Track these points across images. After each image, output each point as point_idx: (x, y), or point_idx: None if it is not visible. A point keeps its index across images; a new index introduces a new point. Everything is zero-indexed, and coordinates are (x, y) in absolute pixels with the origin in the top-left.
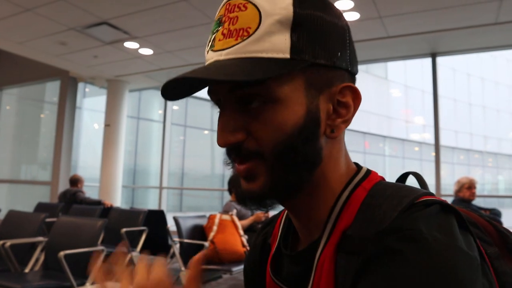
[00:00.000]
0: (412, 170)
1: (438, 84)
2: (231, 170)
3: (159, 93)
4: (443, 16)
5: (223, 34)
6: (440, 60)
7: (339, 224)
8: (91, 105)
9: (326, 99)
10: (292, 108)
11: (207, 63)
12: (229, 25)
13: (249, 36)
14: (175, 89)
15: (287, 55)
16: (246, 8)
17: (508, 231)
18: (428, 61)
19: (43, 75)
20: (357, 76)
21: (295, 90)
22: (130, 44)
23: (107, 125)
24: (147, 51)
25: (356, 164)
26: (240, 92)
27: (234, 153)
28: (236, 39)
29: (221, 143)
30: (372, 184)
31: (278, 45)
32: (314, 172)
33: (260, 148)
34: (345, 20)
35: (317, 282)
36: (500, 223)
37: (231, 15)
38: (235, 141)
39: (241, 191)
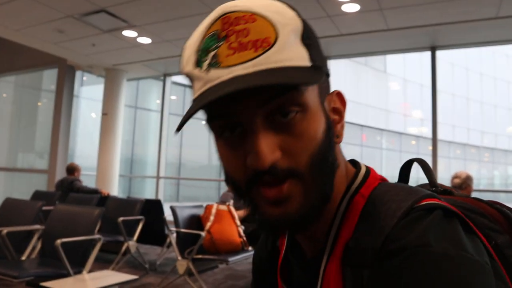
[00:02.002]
0: (417, 157)
1: (437, 78)
2: (248, 202)
3: (157, 82)
4: (444, 9)
5: (231, 48)
6: (439, 54)
7: (341, 236)
8: (89, 93)
9: (327, 106)
10: (318, 115)
11: (216, 81)
12: (237, 38)
13: (271, 46)
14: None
15: (308, 63)
16: (254, 20)
17: None
18: (427, 54)
19: (41, 63)
20: (356, 69)
21: (315, 98)
22: (129, 33)
23: (104, 114)
24: (145, 40)
25: (355, 162)
26: (274, 104)
27: (270, 175)
28: (256, 51)
29: (266, 164)
30: (370, 190)
31: (299, 54)
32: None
33: (294, 165)
34: None
35: None
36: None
37: (238, 28)
38: (275, 160)
39: (270, 218)
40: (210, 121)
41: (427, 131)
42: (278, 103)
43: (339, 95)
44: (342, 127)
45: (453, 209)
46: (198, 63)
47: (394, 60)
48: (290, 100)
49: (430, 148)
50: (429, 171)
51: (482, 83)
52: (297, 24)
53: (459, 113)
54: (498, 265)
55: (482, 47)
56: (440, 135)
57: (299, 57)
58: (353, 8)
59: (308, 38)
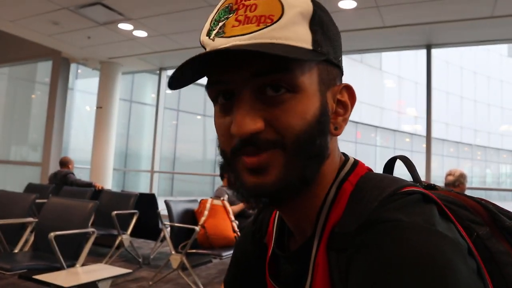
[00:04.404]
0: (400, 155)
1: (431, 76)
2: (231, 171)
3: (152, 76)
4: (440, 8)
5: (238, 20)
6: (434, 52)
7: (329, 221)
8: (84, 86)
9: (331, 96)
10: (311, 98)
11: (218, 47)
12: (245, 11)
13: (273, 23)
14: (181, 76)
15: (310, 46)
16: None
17: (497, 208)
18: (422, 52)
19: (35, 55)
20: (351, 65)
21: (312, 82)
22: (124, 26)
23: (99, 107)
24: (141, 33)
25: (344, 154)
26: (266, 79)
27: (251, 144)
28: (258, 25)
29: (244, 131)
30: (358, 178)
31: (301, 36)
32: (320, 168)
33: (280, 137)
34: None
35: (315, 282)
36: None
37: (247, 2)
38: (256, 130)
39: (247, 186)
40: (208, 87)
41: (421, 129)
42: (270, 79)
43: (348, 88)
44: (345, 121)
45: (432, 197)
46: (209, 32)
47: (389, 58)
48: (283, 80)
49: (424, 145)
50: (412, 168)
51: (476, 82)
52: (307, 8)
53: (453, 111)
54: (474, 258)
55: (476, 46)
56: (434, 133)
57: (300, 38)
58: (350, 5)
59: (318, 25)
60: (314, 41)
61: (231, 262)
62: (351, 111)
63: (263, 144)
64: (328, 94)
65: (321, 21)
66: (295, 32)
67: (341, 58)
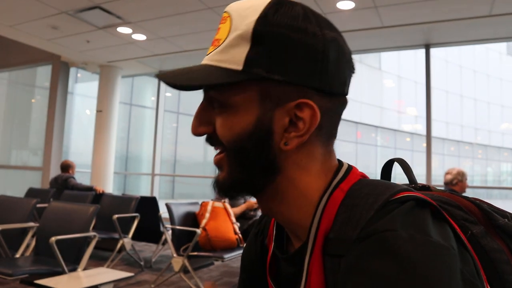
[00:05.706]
0: (397, 157)
1: (431, 76)
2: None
3: (152, 79)
4: (438, 7)
5: (212, 41)
6: (433, 51)
7: (321, 227)
8: (83, 90)
9: (284, 112)
10: (241, 115)
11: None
12: (216, 34)
13: (217, 46)
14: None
15: (240, 67)
16: (225, 21)
17: (491, 207)
18: (421, 52)
19: (34, 59)
20: None
21: (247, 100)
22: (123, 29)
23: (99, 111)
24: (140, 37)
25: (338, 161)
26: (206, 94)
27: (208, 142)
28: (213, 48)
29: (192, 132)
30: (350, 185)
31: (236, 57)
32: (272, 178)
33: (222, 142)
34: (324, 37)
35: (309, 285)
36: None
37: (219, 26)
38: (202, 132)
39: (213, 181)
40: None
41: (421, 128)
42: (208, 95)
43: (308, 105)
44: (299, 137)
45: (426, 199)
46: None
47: (388, 58)
48: (215, 97)
49: (424, 145)
50: (408, 170)
51: (475, 80)
52: (248, 29)
53: (452, 110)
54: (470, 253)
55: (475, 45)
56: (434, 132)
57: (232, 61)
58: (348, 5)
59: (259, 43)
60: (247, 62)
61: (241, 267)
62: (309, 129)
63: (216, 144)
64: (278, 110)
65: (266, 39)
66: (231, 54)
67: (309, 72)
